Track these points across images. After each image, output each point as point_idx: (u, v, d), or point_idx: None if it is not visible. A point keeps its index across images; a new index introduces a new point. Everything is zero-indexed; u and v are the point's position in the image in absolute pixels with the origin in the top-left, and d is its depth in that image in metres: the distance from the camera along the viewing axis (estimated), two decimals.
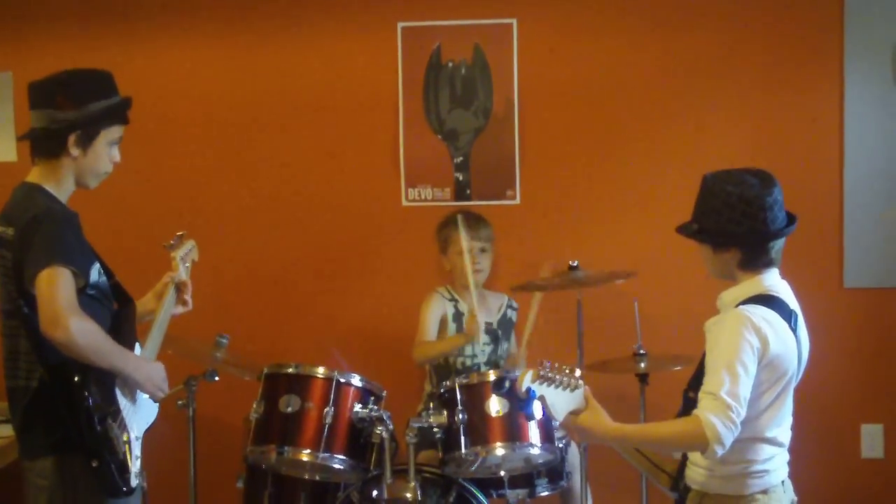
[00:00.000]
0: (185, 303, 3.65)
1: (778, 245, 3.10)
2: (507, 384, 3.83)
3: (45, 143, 3.26)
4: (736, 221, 3.02)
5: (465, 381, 3.99)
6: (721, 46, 5.05)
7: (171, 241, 3.71)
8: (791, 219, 3.10)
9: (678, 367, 4.27)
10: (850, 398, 5.11)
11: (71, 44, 5.11)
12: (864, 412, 5.13)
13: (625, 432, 3.03)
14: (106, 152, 3.32)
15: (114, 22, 5.16)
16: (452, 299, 4.78)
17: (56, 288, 3.01)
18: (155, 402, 3.41)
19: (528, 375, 3.01)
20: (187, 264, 3.70)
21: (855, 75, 4.99)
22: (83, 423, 3.08)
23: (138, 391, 3.31)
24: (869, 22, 4.98)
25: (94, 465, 3.10)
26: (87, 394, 3.08)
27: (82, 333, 3.02)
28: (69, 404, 3.09)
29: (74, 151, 3.23)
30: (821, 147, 5.05)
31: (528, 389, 3.01)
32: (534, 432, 3.89)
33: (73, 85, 3.29)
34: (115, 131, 3.34)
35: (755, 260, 3.08)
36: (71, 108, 3.23)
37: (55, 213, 3.17)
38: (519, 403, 3.80)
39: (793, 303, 3.10)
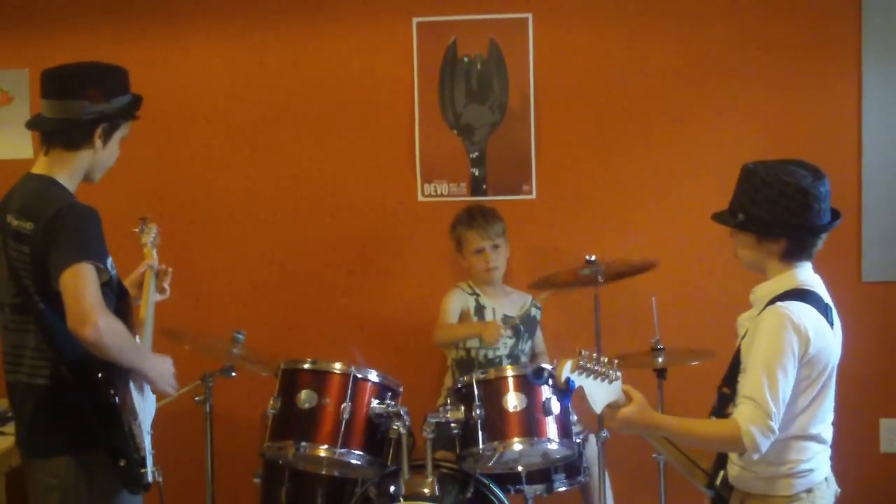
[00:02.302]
0: (163, 290, 3.68)
1: (822, 239, 3.08)
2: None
3: (70, 134, 3.24)
4: (792, 211, 2.99)
5: (482, 376, 3.99)
6: (738, 39, 5.02)
7: (139, 227, 3.75)
8: (836, 213, 3.08)
9: (696, 362, 4.26)
10: (869, 393, 5.08)
11: (85, 41, 5.12)
12: (882, 406, 5.11)
13: (665, 424, 3.01)
14: (117, 147, 3.35)
15: (128, 19, 5.17)
16: (473, 293, 4.77)
17: (83, 286, 3.00)
18: (165, 397, 3.42)
19: (568, 365, 2.95)
20: (154, 249, 3.75)
21: (872, 68, 4.96)
22: (109, 421, 3.09)
23: (146, 386, 3.31)
24: (887, 14, 4.95)
25: (122, 464, 3.11)
26: (112, 391, 3.09)
27: (110, 332, 3.01)
28: (95, 401, 3.09)
29: (97, 144, 3.24)
30: (838, 140, 5.03)
31: (568, 380, 2.97)
32: (551, 427, 3.88)
33: (102, 78, 3.29)
34: (127, 127, 3.37)
35: (800, 252, 3.06)
36: (102, 100, 3.23)
37: (78, 207, 3.15)
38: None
39: (827, 297, 3.09)
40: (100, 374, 3.08)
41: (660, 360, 4.35)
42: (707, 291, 4.88)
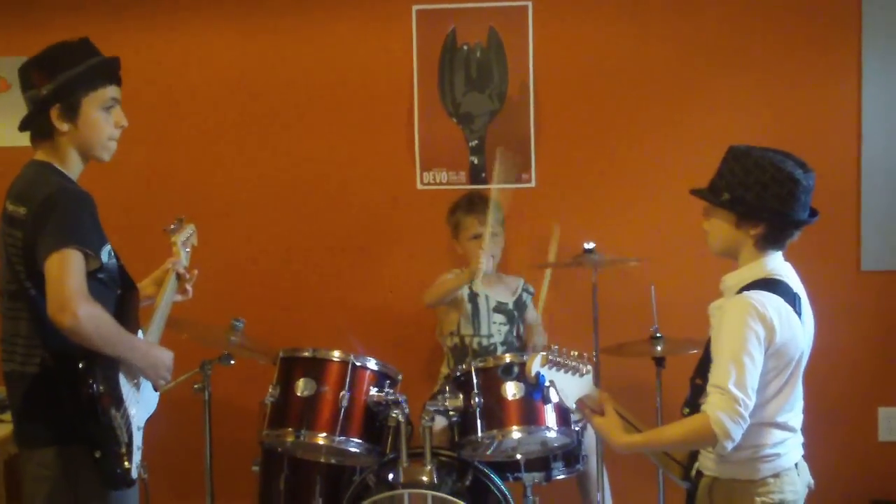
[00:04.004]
0: (185, 291, 3.57)
1: (799, 232, 3.07)
2: (515, 370, 3.82)
3: (34, 126, 3.15)
4: (780, 198, 2.97)
5: (481, 364, 3.99)
6: (738, 30, 5.02)
7: (172, 225, 3.64)
8: (814, 211, 3.07)
9: (694, 351, 4.23)
10: (867, 381, 5.09)
11: (83, 28, 5.01)
12: (881, 395, 5.12)
13: (634, 444, 3.03)
14: (101, 118, 3.16)
15: (127, 8, 5.16)
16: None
17: (66, 272, 2.92)
18: (156, 390, 3.31)
19: (537, 360, 3.01)
20: (187, 249, 3.65)
21: (873, 58, 4.97)
22: (87, 411, 2.99)
23: (142, 379, 3.22)
24: (886, 8, 4.95)
25: (98, 455, 3.01)
26: (91, 381, 2.99)
27: (90, 319, 2.93)
28: (73, 392, 2.99)
29: (63, 126, 3.10)
30: (838, 130, 5.03)
31: (538, 374, 3.00)
32: (550, 416, 3.89)
33: (46, 59, 3.15)
34: (102, 94, 3.16)
35: (775, 241, 3.05)
36: (45, 82, 3.10)
37: (70, 192, 3.07)
38: (529, 389, 3.80)
39: (797, 285, 3.07)
40: (81, 364, 2.99)
41: (658, 348, 4.35)
42: (706, 280, 4.84)
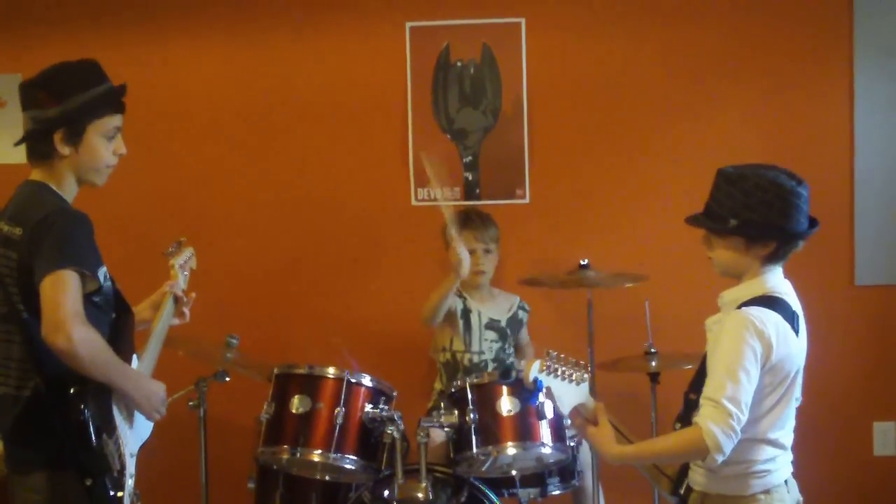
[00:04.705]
0: (182, 315, 3.55)
1: (803, 243, 3.08)
2: (513, 375, 3.82)
3: (34, 145, 3.12)
4: (786, 214, 2.96)
5: (476, 380, 3.99)
6: (731, 45, 5.04)
7: (170, 248, 3.61)
8: (814, 220, 3.07)
9: (689, 366, 4.24)
10: (862, 396, 5.10)
11: (80, 45, 5.09)
12: (876, 410, 5.13)
13: (626, 455, 3.03)
14: (103, 145, 3.14)
15: (122, 24, 5.17)
16: (461, 296, 4.76)
17: (62, 293, 2.87)
18: (150, 421, 3.25)
19: (536, 365, 3.01)
20: (186, 272, 3.62)
21: (865, 72, 4.99)
22: (78, 437, 2.94)
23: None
24: (878, 20, 4.97)
25: (88, 483, 2.96)
26: (83, 407, 2.95)
27: (84, 343, 2.88)
28: (64, 417, 2.95)
29: (64, 150, 3.08)
30: (831, 144, 5.04)
31: (536, 380, 3.00)
32: (545, 432, 3.88)
33: (54, 80, 3.12)
34: (107, 122, 3.15)
35: (782, 256, 3.05)
36: (52, 104, 3.06)
37: (67, 212, 3.05)
38: (525, 395, 3.78)
39: (795, 304, 3.06)
40: (72, 390, 2.95)
41: (653, 363, 4.35)
42: (700, 295, 4.85)
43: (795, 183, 2.99)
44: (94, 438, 2.97)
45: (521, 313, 4.86)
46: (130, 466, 3.12)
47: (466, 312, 4.73)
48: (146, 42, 5.18)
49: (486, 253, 4.70)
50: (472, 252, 4.62)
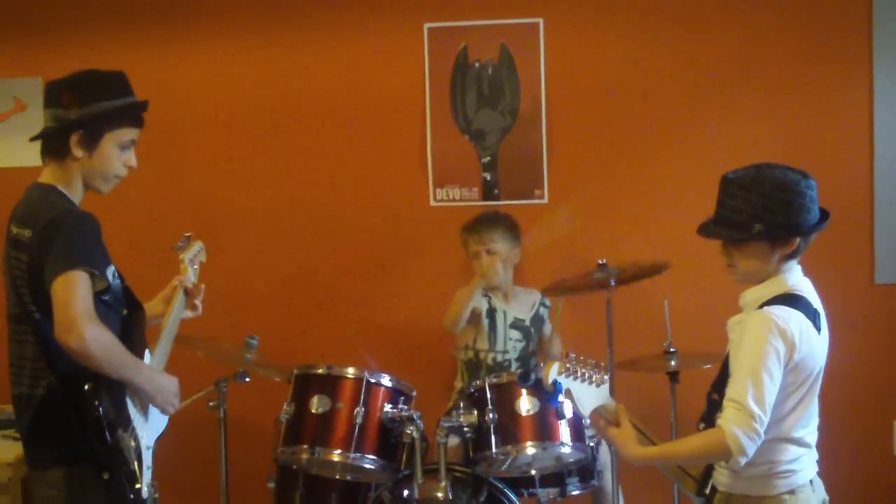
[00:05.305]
0: (194, 307, 3.58)
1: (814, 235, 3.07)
2: (532, 377, 3.81)
3: (51, 143, 3.18)
4: (805, 209, 2.96)
5: (495, 380, 4.00)
6: (749, 45, 5.02)
7: (179, 243, 3.64)
8: (825, 212, 3.07)
9: (708, 366, 4.25)
10: (882, 395, 5.08)
11: (97, 49, 5.14)
12: None
13: (648, 456, 3.03)
14: (116, 155, 3.21)
15: (140, 26, 5.19)
16: (486, 295, 4.77)
17: (73, 293, 2.92)
18: (164, 414, 3.30)
19: (555, 367, 3.00)
20: (195, 266, 3.65)
21: (884, 73, 4.96)
22: (93, 433, 2.99)
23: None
24: None
25: (105, 477, 3.02)
26: (97, 403, 2.99)
27: (97, 342, 2.93)
28: (79, 414, 3.00)
29: (78, 153, 3.14)
30: (850, 143, 5.02)
31: (555, 382, 2.99)
32: (564, 431, 3.89)
33: (81, 84, 3.19)
34: (124, 133, 3.22)
35: (800, 252, 3.04)
36: (75, 106, 3.13)
37: (75, 214, 3.09)
38: (545, 396, 3.75)
39: (816, 302, 3.05)
40: (86, 386, 2.99)
41: (672, 363, 4.36)
42: (719, 295, 4.85)
43: (801, 177, 2.99)
44: (109, 433, 3.01)
45: (542, 310, 4.87)
46: (147, 458, 3.17)
47: (492, 312, 4.75)
48: (165, 45, 5.20)
49: (488, 253, 4.70)
50: (476, 255, 4.65)
